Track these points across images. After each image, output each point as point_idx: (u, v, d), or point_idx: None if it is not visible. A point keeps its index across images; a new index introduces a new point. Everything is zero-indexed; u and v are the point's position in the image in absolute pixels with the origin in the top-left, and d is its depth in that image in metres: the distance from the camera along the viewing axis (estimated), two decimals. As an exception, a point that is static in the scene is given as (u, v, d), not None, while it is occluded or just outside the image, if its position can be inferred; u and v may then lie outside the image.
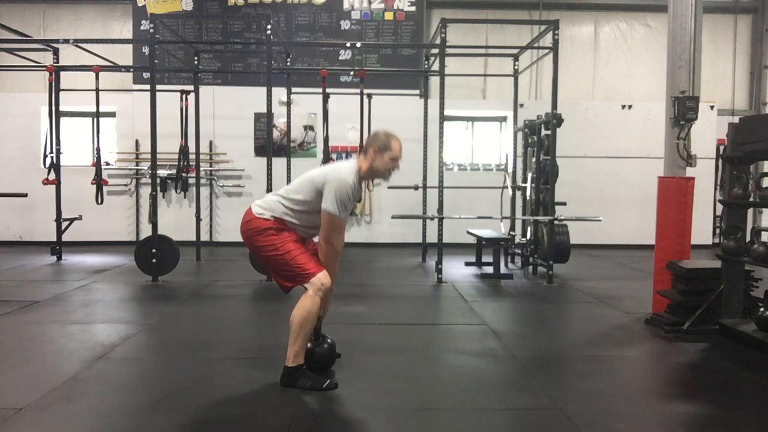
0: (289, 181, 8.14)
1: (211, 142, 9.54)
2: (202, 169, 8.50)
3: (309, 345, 3.38)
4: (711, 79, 10.09)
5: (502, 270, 7.07)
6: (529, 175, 7.55)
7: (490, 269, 7.03)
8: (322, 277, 3.14)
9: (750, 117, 5.15)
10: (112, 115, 9.48)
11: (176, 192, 8.49)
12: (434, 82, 8.63)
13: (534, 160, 7.35)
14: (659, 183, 4.90)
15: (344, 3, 9.78)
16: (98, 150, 7.46)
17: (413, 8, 9.80)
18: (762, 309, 4.02)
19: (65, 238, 7.93)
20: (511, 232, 7.80)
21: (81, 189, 8.42)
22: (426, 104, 8.13)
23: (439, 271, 6.49)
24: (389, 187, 8.40)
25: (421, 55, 9.56)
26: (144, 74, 9.20)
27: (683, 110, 4.72)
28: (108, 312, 5.03)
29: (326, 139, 7.14)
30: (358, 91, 7.47)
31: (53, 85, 7.48)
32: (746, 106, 10.45)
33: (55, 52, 7.83)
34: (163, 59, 9.25)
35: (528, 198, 7.56)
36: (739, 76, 10.45)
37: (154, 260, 6.27)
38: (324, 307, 3.32)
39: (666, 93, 4.94)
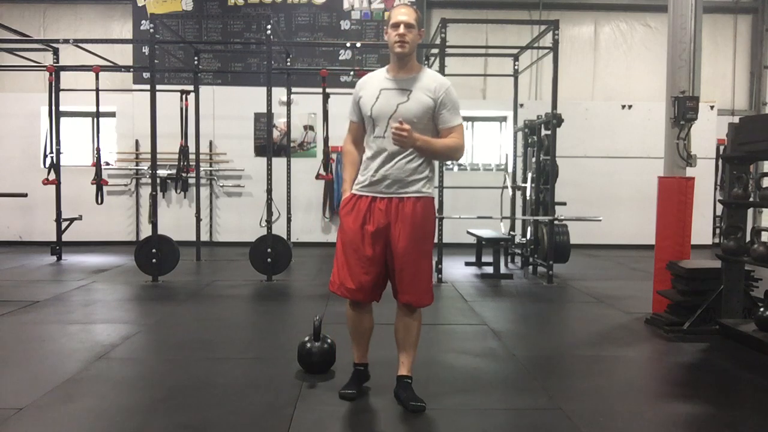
0: (289, 181, 8.15)
1: (211, 142, 9.54)
2: (202, 169, 8.50)
3: (308, 345, 3.40)
4: (711, 79, 10.08)
5: (502, 270, 7.07)
6: (529, 175, 7.55)
7: (490, 269, 7.03)
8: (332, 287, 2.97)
9: (750, 117, 5.15)
10: (112, 115, 9.48)
11: (176, 192, 8.50)
12: (434, 82, 8.61)
13: (534, 160, 7.35)
14: (659, 183, 4.90)
15: (344, 3, 9.78)
16: (98, 150, 7.45)
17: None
18: (762, 309, 4.01)
19: (65, 238, 7.93)
20: (511, 232, 7.80)
21: (81, 189, 8.41)
22: (426, 104, 8.11)
23: (439, 271, 6.49)
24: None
25: (421, 55, 9.56)
26: (144, 74, 9.19)
27: (683, 110, 4.71)
28: (108, 312, 5.03)
29: (326, 139, 7.14)
30: (358, 91, 7.46)
31: (53, 85, 7.48)
32: (746, 106, 10.45)
33: (55, 52, 7.82)
34: (163, 59, 9.24)
35: (528, 198, 7.56)
36: (739, 76, 10.45)
37: (154, 260, 6.26)
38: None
39: (666, 93, 4.94)
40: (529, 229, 7.41)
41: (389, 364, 3.41)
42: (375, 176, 2.83)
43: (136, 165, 9.62)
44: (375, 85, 2.88)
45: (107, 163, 8.91)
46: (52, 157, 7.54)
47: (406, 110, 2.79)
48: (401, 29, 2.78)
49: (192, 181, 8.17)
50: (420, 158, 2.85)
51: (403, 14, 2.81)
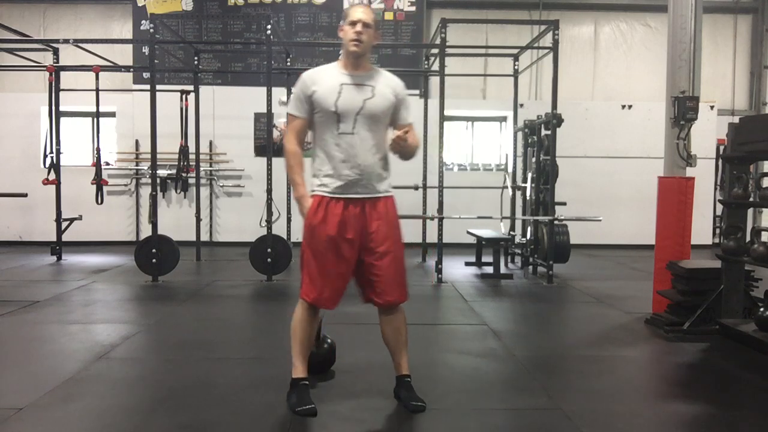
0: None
1: (211, 142, 9.54)
2: (202, 169, 8.50)
3: (315, 346, 3.38)
4: (711, 79, 10.08)
5: (502, 270, 7.07)
6: (529, 175, 7.55)
7: (490, 269, 7.03)
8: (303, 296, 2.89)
9: (750, 117, 5.15)
10: (112, 115, 9.48)
11: (176, 192, 8.50)
12: (434, 82, 8.62)
13: (534, 160, 7.35)
14: (659, 183, 4.90)
15: (344, 3, 9.78)
16: (98, 150, 7.46)
17: (413, 8, 9.80)
18: (762, 309, 4.01)
19: (65, 238, 7.93)
20: (511, 232, 7.80)
21: (81, 189, 8.40)
22: (426, 104, 8.13)
23: (439, 271, 6.49)
24: (389, 187, 8.41)
25: (421, 55, 9.56)
26: (144, 74, 9.19)
27: (683, 110, 4.72)
28: (108, 312, 5.03)
29: (326, 139, 7.13)
30: (358, 91, 7.45)
31: (53, 85, 7.48)
32: (746, 106, 10.45)
33: (55, 52, 7.82)
34: (163, 59, 9.24)
35: (528, 198, 7.56)
36: (739, 76, 10.45)
37: (154, 260, 6.27)
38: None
39: (666, 93, 4.94)
40: (529, 229, 7.41)
41: (389, 365, 3.41)
42: (350, 176, 2.76)
43: (136, 165, 9.62)
44: (332, 80, 2.80)
45: (107, 163, 8.91)
46: (52, 157, 7.54)
47: (373, 105, 2.78)
48: (359, 27, 2.77)
49: (192, 181, 8.18)
50: (384, 156, 2.87)
51: (361, 13, 2.78)
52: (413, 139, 2.83)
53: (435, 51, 7.79)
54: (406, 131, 2.72)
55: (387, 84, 2.86)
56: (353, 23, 2.77)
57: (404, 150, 2.80)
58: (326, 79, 2.80)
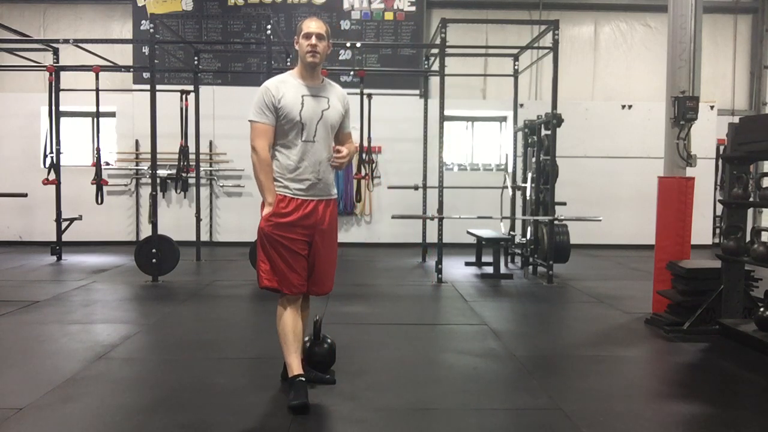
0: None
1: (211, 142, 9.54)
2: (202, 169, 8.50)
3: (308, 345, 3.38)
4: (711, 79, 10.08)
5: (502, 270, 7.07)
6: (529, 175, 7.55)
7: (490, 269, 7.03)
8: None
9: (750, 117, 5.14)
10: (112, 115, 9.48)
11: (176, 192, 8.50)
12: (434, 82, 8.63)
13: (534, 160, 7.35)
14: (659, 183, 4.91)
15: (344, 3, 9.78)
16: (98, 150, 7.46)
17: (413, 8, 9.80)
18: (762, 309, 4.01)
19: (65, 238, 7.93)
20: (511, 232, 7.80)
21: (81, 189, 8.41)
22: (426, 104, 8.13)
23: (439, 271, 6.49)
24: (389, 187, 8.42)
25: (421, 55, 9.56)
26: (144, 74, 9.19)
27: (683, 110, 4.72)
28: (108, 312, 5.03)
29: (326, 139, 7.12)
30: (358, 91, 7.47)
31: (53, 85, 7.48)
32: (746, 106, 10.45)
33: (55, 52, 7.83)
34: (163, 59, 9.24)
35: (528, 198, 7.56)
36: (739, 76, 10.45)
37: (154, 260, 6.27)
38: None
39: (666, 93, 4.94)
40: (529, 229, 7.41)
41: (389, 365, 3.42)
42: (311, 179, 3.00)
43: (136, 165, 9.62)
44: (294, 90, 3.00)
45: (107, 163, 8.91)
46: (52, 157, 7.54)
47: (330, 116, 3.04)
48: (313, 40, 2.97)
49: (192, 181, 8.18)
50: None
51: (315, 26, 2.99)
52: (352, 149, 3.17)
53: (435, 51, 7.79)
54: (339, 151, 3.02)
55: (337, 96, 3.11)
56: (308, 36, 2.98)
57: (344, 165, 3.12)
58: (289, 90, 3.01)
